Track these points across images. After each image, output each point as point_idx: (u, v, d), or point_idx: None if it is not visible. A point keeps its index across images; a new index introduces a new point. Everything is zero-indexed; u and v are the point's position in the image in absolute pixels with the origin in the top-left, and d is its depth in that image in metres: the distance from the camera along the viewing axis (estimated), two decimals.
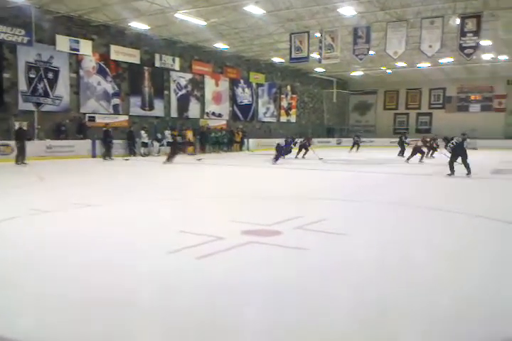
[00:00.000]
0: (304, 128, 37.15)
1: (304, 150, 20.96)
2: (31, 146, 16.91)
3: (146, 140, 22.05)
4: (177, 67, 25.67)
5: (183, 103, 26.59)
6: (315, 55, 23.62)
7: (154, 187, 10.73)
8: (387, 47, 20.23)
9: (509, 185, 12.11)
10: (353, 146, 26.50)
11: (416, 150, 18.76)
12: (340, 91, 40.03)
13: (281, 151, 18.43)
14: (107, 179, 12.79)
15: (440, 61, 30.70)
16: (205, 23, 20.93)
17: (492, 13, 19.23)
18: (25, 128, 17.07)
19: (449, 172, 13.11)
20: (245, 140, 28.66)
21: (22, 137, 16.10)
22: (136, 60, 23.32)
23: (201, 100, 27.86)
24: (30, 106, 19.13)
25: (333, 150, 26.85)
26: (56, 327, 3.24)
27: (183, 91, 26.55)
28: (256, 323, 3.35)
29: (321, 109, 40.65)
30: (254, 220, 6.65)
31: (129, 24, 21.32)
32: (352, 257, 4.99)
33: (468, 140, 13.49)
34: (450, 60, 30.03)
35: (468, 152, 13.28)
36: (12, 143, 16.64)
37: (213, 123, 28.29)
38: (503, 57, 29.61)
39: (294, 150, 20.93)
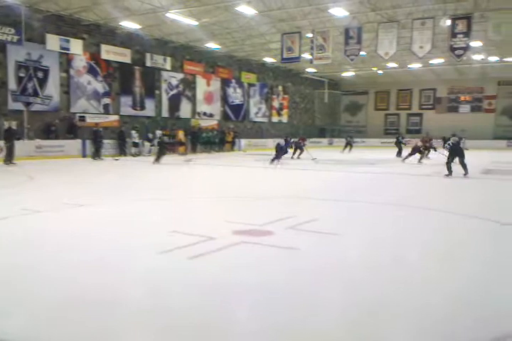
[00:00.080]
0: (296, 128, 37.21)
1: (299, 151, 21.00)
2: (21, 146, 16.77)
3: (136, 140, 21.95)
4: (168, 66, 25.58)
5: (175, 103, 26.50)
6: (306, 56, 23.69)
7: (145, 187, 10.67)
8: (378, 47, 20.31)
9: (500, 185, 12.18)
10: (345, 147, 26.61)
11: (415, 150, 18.74)
12: (331, 92, 40.11)
13: (282, 151, 18.22)
14: (98, 179, 12.71)
15: (431, 62, 30.89)
16: (196, 23, 20.89)
17: (482, 14, 19.35)
18: (14, 127, 16.91)
19: (447, 172, 13.09)
20: (237, 140, 28.62)
21: (11, 137, 15.95)
22: (127, 60, 23.20)
23: (192, 100, 27.78)
24: (19, 106, 18.96)
25: (325, 151, 26.90)
26: (47, 327, 3.20)
27: (175, 91, 26.46)
28: (247, 324, 3.34)
29: (313, 110, 40.73)
30: (246, 220, 6.64)
31: (120, 23, 21.21)
32: (344, 257, 5.00)
33: (463, 140, 13.54)
34: (441, 60, 30.21)
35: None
36: (1, 142, 16.48)
37: (205, 123, 28.23)
38: (493, 58, 29.84)
39: (290, 151, 20.89)
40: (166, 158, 18.03)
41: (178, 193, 9.89)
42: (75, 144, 19.88)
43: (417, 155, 18.69)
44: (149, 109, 24.80)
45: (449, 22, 19.12)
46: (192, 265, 4.58)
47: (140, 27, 21.61)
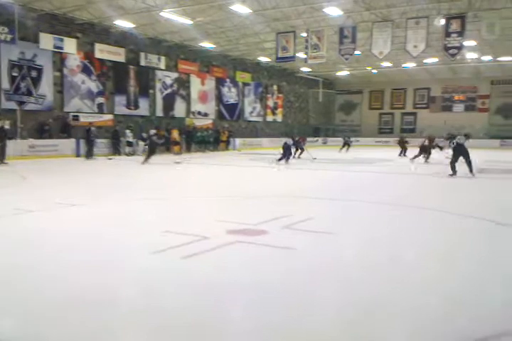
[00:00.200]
0: (290, 127, 37.18)
1: (299, 150, 20.98)
2: (14, 145, 16.66)
3: (131, 139, 21.88)
4: (162, 66, 25.51)
5: (169, 102, 26.44)
6: (301, 55, 23.68)
7: (139, 187, 10.63)
8: (372, 47, 20.34)
9: (495, 185, 12.20)
10: (343, 146, 26.74)
11: (422, 149, 18.67)
12: (326, 91, 40.15)
13: (289, 151, 18.05)
14: (91, 178, 12.64)
15: (425, 61, 30.98)
16: (190, 22, 20.84)
17: (476, 14, 19.42)
18: (7, 127, 16.79)
19: (451, 172, 13.00)
20: (231, 139, 28.59)
21: (3, 136, 15.83)
22: (121, 59, 23.12)
23: (187, 99, 27.72)
24: (12, 105, 18.84)
25: (321, 150, 26.86)
26: (40, 327, 3.17)
27: (169, 91, 26.40)
28: (242, 323, 3.32)
29: (307, 109, 40.76)
30: (240, 220, 6.61)
31: (114, 22, 21.14)
32: (339, 257, 4.98)
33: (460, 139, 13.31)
34: (435, 60, 30.31)
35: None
36: None
37: (199, 122, 28.18)
38: (486, 58, 29.95)
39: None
40: (162, 158, 17.95)
41: (172, 193, 9.86)
42: (69, 144, 19.79)
43: (421, 155, 18.62)
44: (143, 108, 24.72)
45: (443, 21, 19.18)
46: (186, 265, 4.55)
47: (134, 26, 21.54)
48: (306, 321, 3.30)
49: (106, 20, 21.13)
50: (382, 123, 42.07)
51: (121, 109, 23.45)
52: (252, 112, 33.69)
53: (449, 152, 13.78)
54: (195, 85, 28.33)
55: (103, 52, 22.21)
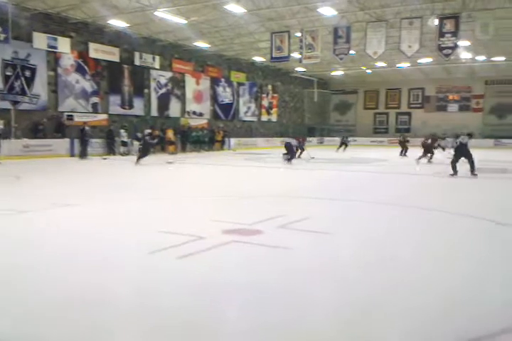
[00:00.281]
0: (285, 127, 37.25)
1: (300, 150, 20.96)
2: (8, 145, 16.57)
3: (125, 139, 21.79)
4: (157, 65, 25.46)
5: (164, 102, 26.39)
6: (296, 55, 23.69)
7: (134, 187, 10.59)
8: (367, 47, 20.39)
9: (493, 184, 12.19)
10: (340, 146, 26.86)
11: (427, 149, 18.64)
12: (321, 91, 40.20)
13: (294, 151, 18.03)
14: (86, 178, 12.60)
15: (419, 61, 31.07)
16: (185, 22, 20.81)
17: (470, 14, 19.50)
18: (1, 126, 16.69)
19: (452, 172, 12.95)
20: (226, 139, 28.57)
21: None
22: (116, 58, 23.06)
23: (182, 99, 27.68)
24: (6, 105, 18.75)
25: (317, 150, 26.90)
26: (36, 327, 3.16)
27: (164, 90, 26.35)
28: (238, 323, 3.32)
29: (302, 109, 40.79)
30: (235, 219, 6.60)
31: (108, 22, 21.08)
32: (336, 257, 4.97)
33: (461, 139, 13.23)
34: (429, 60, 30.40)
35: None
36: None
37: (194, 122, 28.14)
38: (480, 58, 30.07)
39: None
40: (157, 158, 17.90)
41: (167, 192, 9.83)
42: (63, 143, 19.71)
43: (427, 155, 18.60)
44: (138, 108, 24.66)
45: (437, 21, 19.25)
46: (181, 265, 4.54)
47: (128, 25, 21.49)
48: (303, 321, 3.30)
49: (100, 20, 21.06)
50: (377, 123, 42.18)
51: (115, 108, 23.38)
52: (246, 112, 33.68)
53: (451, 152, 13.74)
54: (190, 85, 28.29)
55: (97, 51, 22.14)
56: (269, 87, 35.99)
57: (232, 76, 31.69)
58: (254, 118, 34.57)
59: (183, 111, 27.86)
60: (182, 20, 20.60)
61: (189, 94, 28.20)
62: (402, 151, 22.70)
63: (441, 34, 18.88)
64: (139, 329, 3.16)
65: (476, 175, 12.87)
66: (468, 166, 13.01)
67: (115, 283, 4.04)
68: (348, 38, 20.55)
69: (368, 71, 35.91)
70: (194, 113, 28.71)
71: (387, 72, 37.28)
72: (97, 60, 22.28)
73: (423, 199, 9.31)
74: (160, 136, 21.43)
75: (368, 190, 10.69)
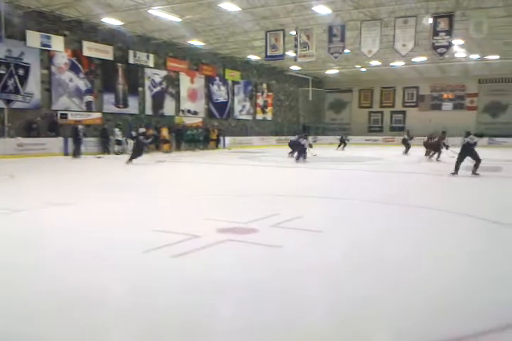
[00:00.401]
0: (280, 126, 37.27)
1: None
2: (2, 144, 16.49)
3: (119, 137, 21.71)
4: (151, 63, 25.39)
5: (158, 100, 26.32)
6: (291, 53, 23.70)
7: (128, 186, 10.56)
8: (361, 45, 20.41)
9: (490, 183, 12.18)
10: (340, 144, 26.96)
11: (435, 147, 18.56)
12: (315, 90, 40.21)
13: (304, 149, 17.68)
14: (80, 177, 12.55)
15: (413, 60, 31.14)
16: (179, 20, 20.75)
17: (463, 12, 19.57)
18: None
19: (453, 171, 12.89)
20: (221, 138, 28.53)
21: None
22: (110, 57, 22.97)
23: (176, 97, 27.61)
24: (0, 104, 18.63)
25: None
26: (31, 326, 3.14)
27: (158, 89, 26.28)
28: (233, 322, 3.32)
29: (297, 107, 40.79)
30: (230, 218, 6.59)
31: (102, 20, 20.98)
32: (330, 256, 4.96)
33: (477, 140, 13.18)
34: (423, 58, 30.48)
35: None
36: None
37: (189, 120, 28.08)
38: (474, 57, 30.18)
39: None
40: (152, 157, 17.83)
41: (161, 191, 9.81)
42: (57, 142, 19.62)
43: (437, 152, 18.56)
44: (132, 106, 24.59)
45: (431, 20, 19.29)
46: (176, 263, 4.54)
47: (122, 23, 21.40)
48: (298, 320, 3.30)
49: (94, 18, 20.97)
50: (371, 122, 42.24)
51: (109, 107, 23.30)
52: (241, 111, 33.65)
53: (454, 150, 13.64)
54: (185, 83, 28.22)
55: (91, 49, 22.05)
56: (264, 85, 35.97)
57: (226, 74, 31.65)
58: (249, 117, 34.55)
59: (178, 109, 27.80)
60: (176, 19, 20.55)
61: (184, 92, 28.13)
62: (405, 150, 22.54)
63: (436, 33, 18.93)
64: (134, 328, 3.16)
65: (478, 174, 12.85)
66: (470, 164, 13.00)
67: (109, 282, 4.03)
68: (342, 36, 20.56)
69: (363, 70, 35.97)
70: (189, 111, 28.65)
71: (382, 71, 37.35)
72: (90, 59, 22.19)
73: (418, 197, 9.28)
74: (154, 134, 21.37)
75: (364, 188, 10.68)
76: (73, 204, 7.89)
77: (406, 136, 23.29)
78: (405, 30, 19.40)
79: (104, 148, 21.10)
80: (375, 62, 32.32)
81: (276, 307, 3.50)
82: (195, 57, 28.56)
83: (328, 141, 32.41)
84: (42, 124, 19.99)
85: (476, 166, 12.92)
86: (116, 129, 21.56)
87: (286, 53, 22.71)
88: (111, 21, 20.99)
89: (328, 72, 37.30)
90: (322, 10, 20.03)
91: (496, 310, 3.53)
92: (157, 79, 26.14)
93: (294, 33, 21.87)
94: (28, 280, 4.05)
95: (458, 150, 13.31)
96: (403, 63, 32.80)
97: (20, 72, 19.33)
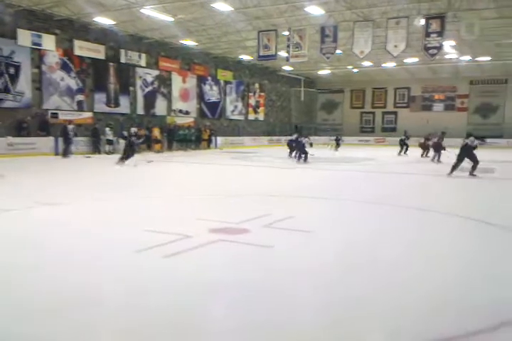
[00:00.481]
0: (272, 126, 37.27)
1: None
2: None
3: (111, 137, 21.60)
4: (143, 63, 25.28)
5: (150, 100, 26.21)
6: (283, 53, 23.71)
7: (119, 186, 10.51)
8: (353, 46, 20.46)
9: (481, 184, 12.22)
10: (337, 145, 27.17)
11: (437, 148, 18.56)
12: (308, 90, 40.25)
13: (304, 148, 17.58)
14: (71, 177, 12.47)
15: (405, 61, 31.26)
16: (172, 19, 20.68)
17: (455, 14, 19.67)
18: None
19: (449, 172, 12.94)
20: (213, 138, 28.48)
21: None
22: (101, 56, 22.83)
23: (168, 97, 27.52)
24: None
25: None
26: (24, 327, 3.11)
27: (150, 88, 26.17)
28: (224, 322, 3.30)
29: (289, 108, 40.82)
30: (222, 218, 6.58)
31: (94, 19, 20.86)
32: (322, 256, 4.96)
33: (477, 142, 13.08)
34: (415, 59, 30.60)
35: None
36: None
37: (181, 120, 28.00)
38: (466, 58, 30.35)
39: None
40: (143, 156, 17.73)
41: (153, 191, 9.77)
42: (47, 141, 19.48)
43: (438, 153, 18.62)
44: (124, 106, 24.46)
45: (422, 21, 19.39)
46: (168, 263, 4.52)
47: (114, 23, 21.28)
48: (290, 320, 3.29)
49: (85, 17, 20.83)
50: (363, 122, 42.37)
51: (101, 106, 23.17)
52: (233, 111, 33.61)
53: (452, 151, 13.67)
54: (177, 83, 28.14)
55: (82, 49, 21.91)
56: (256, 85, 35.97)
57: (219, 74, 31.61)
58: (241, 117, 34.52)
59: (170, 109, 27.71)
60: (169, 18, 20.48)
61: (175, 92, 28.05)
62: (404, 151, 22.63)
63: (427, 34, 19.02)
64: (126, 328, 3.13)
65: (475, 175, 12.90)
66: (467, 165, 13.07)
67: (101, 282, 4.00)
68: (335, 37, 20.62)
69: (355, 70, 36.07)
70: (180, 111, 28.57)
71: (374, 72, 37.49)
72: (82, 58, 22.04)
73: (410, 198, 9.32)
74: (146, 135, 21.28)
75: (357, 188, 10.70)
76: (63, 203, 7.83)
77: (404, 137, 23.45)
78: (397, 31, 19.48)
79: (95, 147, 20.98)
80: (366, 63, 32.42)
81: (268, 307, 3.49)
82: (187, 57, 28.49)
83: (321, 141, 32.40)
84: (32, 124, 19.83)
85: (473, 167, 12.99)
86: (108, 129, 21.44)
87: (279, 53, 22.72)
88: (103, 20, 20.87)
89: (321, 72, 37.37)
90: (315, 10, 20.06)
91: (488, 309, 3.55)
92: (149, 78, 26.04)
93: (286, 33, 21.89)
94: (27, 281, 4.02)
95: (457, 151, 13.39)
96: (395, 64, 32.94)
97: (11, 70, 19.16)
